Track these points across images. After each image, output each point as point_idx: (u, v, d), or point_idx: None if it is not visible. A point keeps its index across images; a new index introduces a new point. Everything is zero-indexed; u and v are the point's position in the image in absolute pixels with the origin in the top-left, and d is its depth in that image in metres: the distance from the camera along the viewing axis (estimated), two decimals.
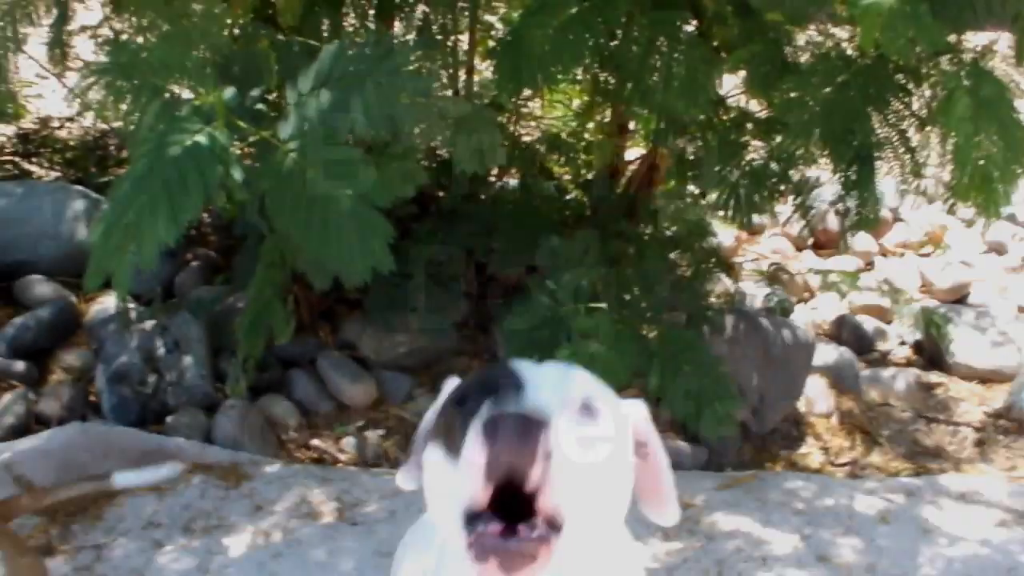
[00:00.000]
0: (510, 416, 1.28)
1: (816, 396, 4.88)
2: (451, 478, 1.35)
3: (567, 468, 1.29)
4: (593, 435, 1.39)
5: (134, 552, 3.45)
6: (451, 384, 1.64)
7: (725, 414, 3.57)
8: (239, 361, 3.98)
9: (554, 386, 1.41)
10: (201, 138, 2.87)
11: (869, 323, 5.68)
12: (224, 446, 4.12)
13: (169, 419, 4.24)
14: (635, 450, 1.53)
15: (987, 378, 5.32)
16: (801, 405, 4.81)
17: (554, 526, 1.31)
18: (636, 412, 1.57)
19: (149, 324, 4.51)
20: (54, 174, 6.00)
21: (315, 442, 4.28)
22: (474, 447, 1.29)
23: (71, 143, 6.51)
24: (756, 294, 5.60)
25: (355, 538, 3.53)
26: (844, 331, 5.60)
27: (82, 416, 4.28)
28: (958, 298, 6.14)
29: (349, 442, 4.29)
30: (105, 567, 3.38)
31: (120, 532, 3.56)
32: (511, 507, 1.31)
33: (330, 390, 4.56)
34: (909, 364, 5.48)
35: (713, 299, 4.59)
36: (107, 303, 4.81)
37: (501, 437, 1.27)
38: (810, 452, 4.63)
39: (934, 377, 5.31)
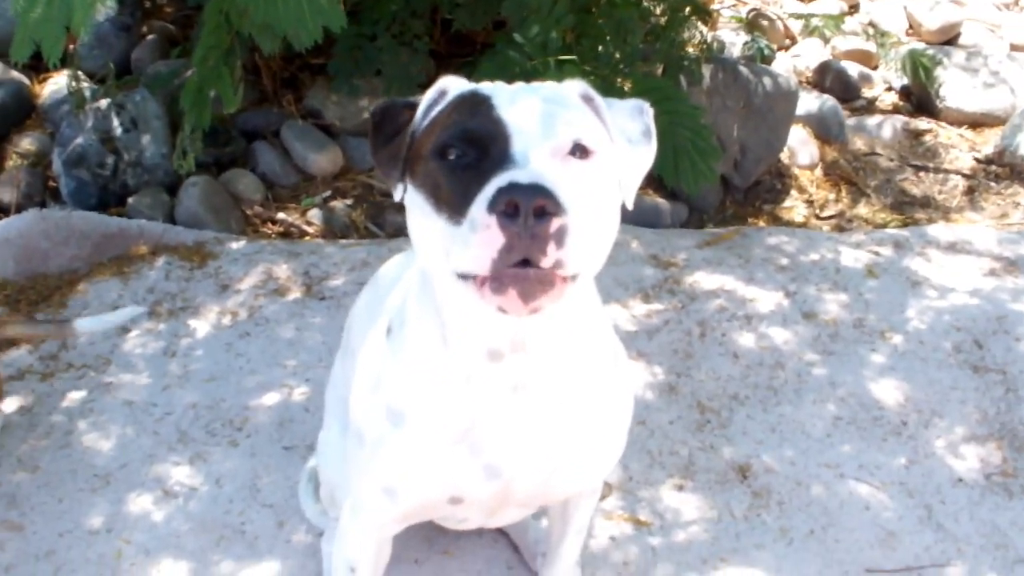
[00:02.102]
0: (524, 199, 1.29)
1: (799, 147, 4.74)
2: (447, 239, 1.39)
3: (577, 231, 1.34)
4: (590, 173, 1.44)
5: (99, 338, 3.37)
6: (438, 89, 1.59)
7: (705, 166, 3.40)
8: (186, 132, 3.79)
9: (542, 133, 1.41)
10: None
11: (854, 69, 5.48)
12: (188, 225, 4.01)
13: (130, 200, 4.12)
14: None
15: (978, 122, 5.16)
16: (784, 157, 4.67)
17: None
18: (588, 91, 1.58)
19: (105, 103, 4.32)
20: None
21: (281, 216, 4.15)
22: (488, 229, 1.31)
23: None
24: (735, 43, 5.40)
25: (323, 313, 3.43)
26: (828, 78, 5.41)
27: (41, 203, 4.16)
28: (948, 39, 5.90)
29: (316, 214, 4.16)
30: (71, 355, 3.30)
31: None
32: None
33: (295, 161, 4.41)
34: (896, 111, 5.31)
35: (690, 49, 4.37)
36: (61, 84, 4.62)
37: (518, 224, 1.29)
38: (794, 205, 4.51)
39: (922, 123, 5.15)
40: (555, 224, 1.30)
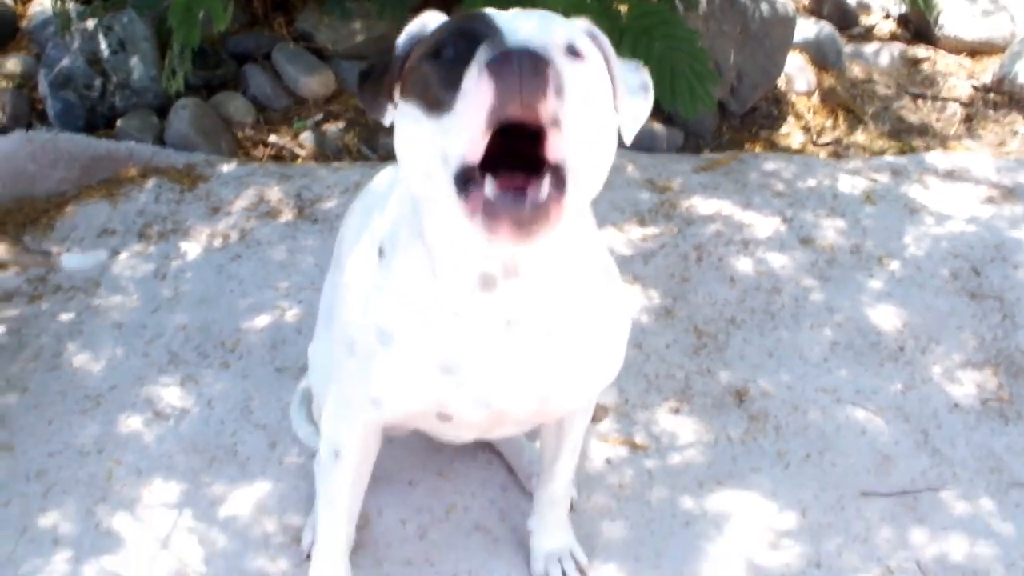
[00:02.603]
0: (516, 52, 1.22)
1: (796, 73, 4.67)
2: (439, 135, 1.31)
3: (572, 108, 1.27)
4: (585, 75, 1.36)
5: (88, 262, 3.32)
6: (419, 23, 1.54)
7: (702, 91, 3.34)
8: (175, 52, 3.72)
9: (536, 30, 1.35)
10: None
11: None
12: (177, 148, 3.95)
13: (119, 123, 4.06)
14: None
15: (976, 50, 5.09)
16: (781, 83, 4.61)
17: (559, 182, 1.29)
18: (593, 29, 1.53)
19: (91, 24, 4.23)
20: None
21: (273, 139, 4.09)
22: (480, 87, 1.23)
23: None
24: None
25: (315, 236, 3.40)
26: (825, 5, 5.33)
27: (27, 124, 4.09)
28: None
29: (307, 137, 4.11)
30: (59, 277, 3.27)
31: (73, 241, 3.43)
32: (504, 165, 1.29)
33: (286, 84, 4.34)
34: (894, 38, 5.24)
35: None
36: (46, 4, 4.54)
37: (511, 72, 1.21)
38: (791, 132, 4.46)
39: (920, 51, 5.08)
40: (551, 74, 1.22)
